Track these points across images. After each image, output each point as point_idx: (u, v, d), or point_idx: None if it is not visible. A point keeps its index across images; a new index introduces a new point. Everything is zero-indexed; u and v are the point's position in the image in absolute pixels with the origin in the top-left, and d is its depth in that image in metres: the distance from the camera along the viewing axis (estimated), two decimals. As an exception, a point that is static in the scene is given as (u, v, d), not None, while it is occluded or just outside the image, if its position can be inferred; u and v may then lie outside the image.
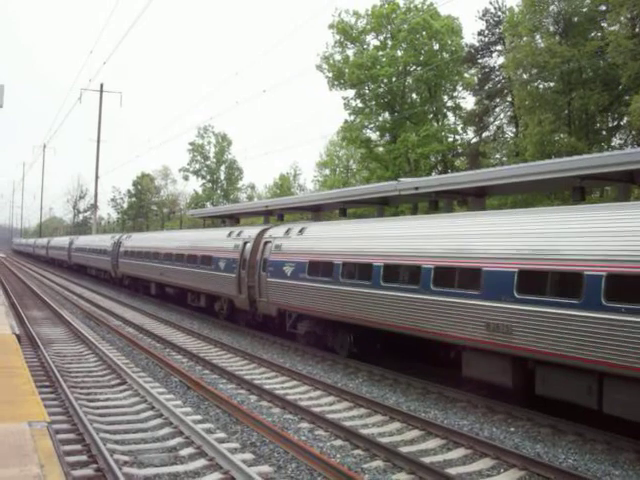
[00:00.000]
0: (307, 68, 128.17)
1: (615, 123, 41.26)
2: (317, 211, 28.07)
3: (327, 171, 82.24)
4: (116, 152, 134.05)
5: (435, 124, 52.55)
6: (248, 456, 10.70)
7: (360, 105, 54.07)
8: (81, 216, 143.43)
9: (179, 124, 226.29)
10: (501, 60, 47.11)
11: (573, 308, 11.81)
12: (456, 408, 14.50)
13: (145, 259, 38.52)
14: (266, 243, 23.90)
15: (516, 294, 12.99)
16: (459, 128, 54.11)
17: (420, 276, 15.59)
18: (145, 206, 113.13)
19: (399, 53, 51.58)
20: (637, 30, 35.07)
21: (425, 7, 51.48)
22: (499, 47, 48.23)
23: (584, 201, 15.50)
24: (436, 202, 19.83)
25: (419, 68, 51.16)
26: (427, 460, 10.80)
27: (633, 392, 11.09)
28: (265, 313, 24.08)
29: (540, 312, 12.44)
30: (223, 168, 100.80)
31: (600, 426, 12.28)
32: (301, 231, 22.16)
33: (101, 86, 72.76)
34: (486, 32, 48.19)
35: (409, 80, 52.89)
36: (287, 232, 22.91)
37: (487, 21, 48.16)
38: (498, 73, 47.82)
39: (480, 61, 49.20)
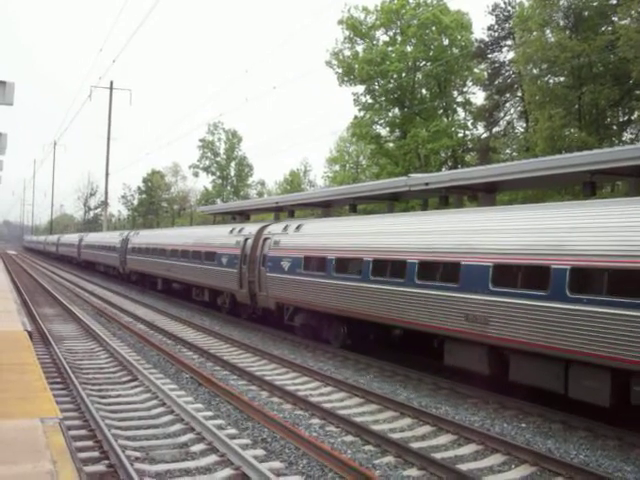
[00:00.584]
0: (317, 64, 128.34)
1: (626, 118, 41.00)
2: (327, 207, 28.03)
3: (337, 167, 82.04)
4: (126, 149, 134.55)
5: (445, 119, 52.32)
6: (259, 452, 10.72)
7: (370, 101, 53.88)
8: (92, 213, 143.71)
9: (189, 121, 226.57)
10: (511, 55, 46.86)
11: (541, 299, 12.67)
12: (467, 404, 14.49)
13: (152, 255, 39.29)
14: (265, 239, 24.84)
15: (491, 287, 13.82)
16: (469, 123, 53.90)
17: (406, 270, 16.49)
18: (155, 203, 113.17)
19: (409, 48, 51.37)
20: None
21: (435, 2, 51.22)
22: (509, 42, 47.95)
23: (595, 196, 15.48)
24: (446, 198, 19.84)
25: (429, 63, 50.93)
26: (438, 456, 10.80)
27: (594, 377, 11.92)
28: (264, 307, 25.01)
29: (512, 303, 13.31)
30: (233, 164, 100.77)
31: (612, 422, 12.26)
32: (298, 228, 23.07)
33: (111, 83, 72.97)
34: (496, 27, 47.91)
35: (419, 75, 52.65)
36: (285, 229, 23.86)
37: (497, 16, 47.88)
38: (508, 68, 47.54)
39: (490, 56, 48.92)
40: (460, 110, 55.04)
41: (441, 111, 53.42)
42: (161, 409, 13.33)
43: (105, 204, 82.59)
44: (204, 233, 33.50)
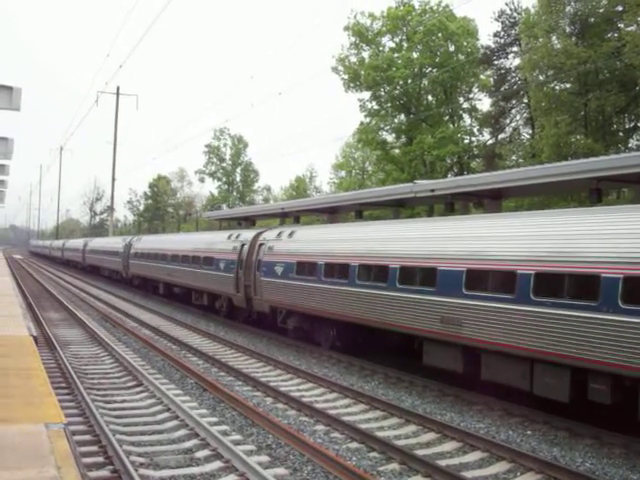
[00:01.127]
0: (322, 70, 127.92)
1: (632, 124, 41.00)
2: (333, 213, 28.03)
3: (343, 173, 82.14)
4: (132, 154, 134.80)
5: (451, 126, 52.38)
6: (264, 458, 10.70)
7: (376, 107, 53.98)
8: (98, 218, 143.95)
9: (195, 126, 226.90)
10: (517, 61, 46.93)
11: (508, 302, 13.46)
12: (472, 411, 14.45)
13: (154, 260, 40.18)
14: (261, 245, 25.55)
15: (464, 291, 14.63)
16: (475, 130, 54.06)
17: (388, 275, 17.38)
18: (161, 208, 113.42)
19: (415, 55, 51.48)
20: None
21: (441, 9, 51.33)
22: (515, 48, 47.96)
23: (601, 203, 15.45)
24: (452, 204, 19.83)
25: (435, 70, 51.01)
26: (443, 463, 10.76)
27: (555, 375, 12.74)
28: (259, 310, 25.75)
29: (484, 306, 14.10)
30: (239, 170, 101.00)
31: (618, 430, 12.21)
32: (290, 234, 23.84)
33: (117, 89, 73.33)
34: (502, 33, 47.91)
35: (425, 82, 52.77)
36: (279, 235, 24.66)
37: (503, 22, 47.89)
38: (514, 74, 47.56)
39: (496, 62, 48.92)
40: (466, 116, 55.24)
41: (447, 117, 53.51)
42: (166, 414, 13.32)
43: (111, 209, 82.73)
44: (203, 239, 34.31)
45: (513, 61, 48.17)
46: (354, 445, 11.74)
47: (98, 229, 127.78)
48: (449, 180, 25.24)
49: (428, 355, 16.36)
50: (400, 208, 24.98)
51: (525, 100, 46.99)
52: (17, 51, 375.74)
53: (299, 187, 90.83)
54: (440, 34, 50.23)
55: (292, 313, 23.26)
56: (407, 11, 51.33)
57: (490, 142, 51.19)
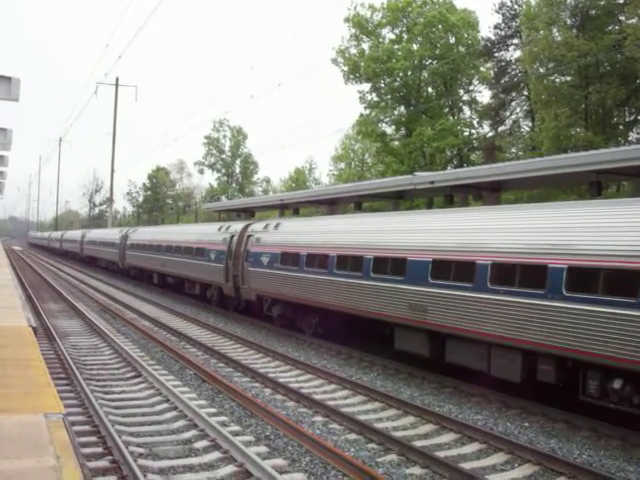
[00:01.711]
0: (322, 62, 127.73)
1: (632, 117, 40.93)
2: (332, 205, 27.99)
3: (342, 165, 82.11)
4: (132, 146, 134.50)
5: (451, 118, 52.29)
6: (262, 449, 10.73)
7: (376, 99, 53.88)
8: (97, 209, 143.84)
9: (194, 118, 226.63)
10: (517, 54, 46.88)
11: (468, 290, 14.43)
12: (471, 403, 14.49)
13: (149, 251, 41.25)
14: (249, 236, 26.64)
15: (430, 279, 15.62)
16: (475, 122, 53.94)
17: (363, 265, 18.40)
18: (160, 199, 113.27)
19: (415, 47, 51.33)
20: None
21: (441, 0, 51.20)
22: (515, 41, 47.89)
23: (600, 196, 15.45)
24: (451, 196, 19.85)
25: (435, 62, 50.89)
26: (441, 454, 10.79)
27: (509, 357, 13.73)
28: (247, 299, 27.00)
29: (446, 294, 15.08)
30: (238, 162, 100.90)
31: (615, 422, 12.25)
32: (276, 226, 24.93)
33: (117, 80, 73.10)
34: (502, 25, 47.83)
35: (425, 74, 52.63)
36: (265, 227, 25.73)
37: (503, 14, 47.81)
38: (514, 67, 47.52)
39: (496, 55, 48.86)
40: (466, 109, 55.17)
41: (447, 109, 53.42)
42: (165, 405, 13.35)
43: (110, 201, 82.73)
44: (195, 231, 35.50)
45: (513, 53, 48.21)
46: (352, 436, 11.77)
47: (97, 220, 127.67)
48: (448, 172, 25.19)
49: (399, 340, 17.49)
50: (399, 200, 24.93)
51: (525, 92, 46.94)
52: (16, 41, 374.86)
53: (298, 179, 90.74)
54: (440, 26, 50.09)
55: (277, 301, 24.38)
56: (407, 3, 51.16)
57: (490, 134, 51.19)
